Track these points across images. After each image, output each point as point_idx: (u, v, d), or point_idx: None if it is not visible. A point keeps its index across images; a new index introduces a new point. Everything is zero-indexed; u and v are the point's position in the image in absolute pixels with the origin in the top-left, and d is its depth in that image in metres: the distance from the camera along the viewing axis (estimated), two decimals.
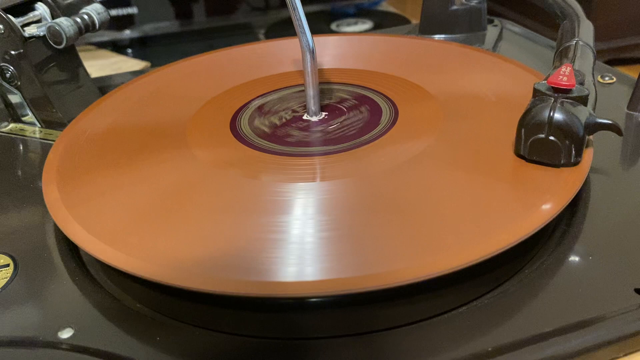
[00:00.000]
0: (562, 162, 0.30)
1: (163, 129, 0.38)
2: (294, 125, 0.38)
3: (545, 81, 0.31)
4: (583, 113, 0.30)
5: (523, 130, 0.30)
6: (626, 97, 0.42)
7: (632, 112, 0.41)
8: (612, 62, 0.50)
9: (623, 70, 0.48)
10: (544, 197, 0.28)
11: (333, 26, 1.18)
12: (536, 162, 0.30)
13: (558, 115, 0.29)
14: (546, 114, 0.29)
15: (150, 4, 1.11)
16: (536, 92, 0.31)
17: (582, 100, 0.30)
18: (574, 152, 0.30)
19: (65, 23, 0.43)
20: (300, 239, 0.27)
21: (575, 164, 0.30)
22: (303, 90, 0.39)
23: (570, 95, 0.30)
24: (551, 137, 0.29)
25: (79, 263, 0.31)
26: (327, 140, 0.35)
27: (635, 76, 0.42)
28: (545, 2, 0.48)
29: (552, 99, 0.30)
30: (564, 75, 0.30)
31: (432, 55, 0.46)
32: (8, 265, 0.31)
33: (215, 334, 0.26)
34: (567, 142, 0.29)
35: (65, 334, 0.26)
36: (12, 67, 0.43)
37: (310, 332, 0.26)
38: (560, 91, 0.30)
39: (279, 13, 1.20)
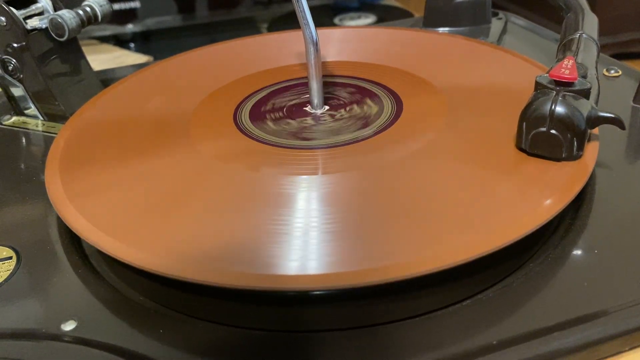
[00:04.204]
0: (563, 155, 0.30)
1: (166, 122, 0.38)
2: (297, 117, 0.38)
3: (547, 74, 0.31)
4: (585, 106, 0.29)
5: (524, 124, 0.30)
6: (632, 90, 0.42)
7: (638, 106, 0.41)
8: (617, 56, 0.50)
9: (629, 64, 0.47)
10: (549, 192, 0.28)
11: (336, 20, 1.17)
12: (538, 155, 0.30)
13: (559, 109, 0.29)
14: (548, 107, 0.29)
15: None
16: (538, 85, 0.31)
17: (584, 93, 0.30)
18: (575, 145, 0.29)
19: (67, 15, 0.43)
20: (304, 232, 0.27)
21: (577, 157, 0.30)
22: (306, 83, 0.39)
23: (572, 88, 0.30)
24: (553, 131, 0.29)
25: (82, 255, 0.31)
26: (330, 133, 0.35)
27: None
28: None
29: (554, 92, 0.30)
30: (566, 68, 0.30)
31: (436, 48, 0.46)
32: (11, 257, 0.31)
33: (219, 327, 0.26)
34: (568, 135, 0.29)
35: (68, 326, 0.26)
36: (14, 60, 0.43)
37: (314, 325, 0.26)
38: (562, 84, 0.30)
39: (282, 7, 1.20)
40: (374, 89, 0.40)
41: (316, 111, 0.38)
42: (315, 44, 0.37)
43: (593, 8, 0.43)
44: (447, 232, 0.26)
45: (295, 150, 0.33)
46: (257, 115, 0.38)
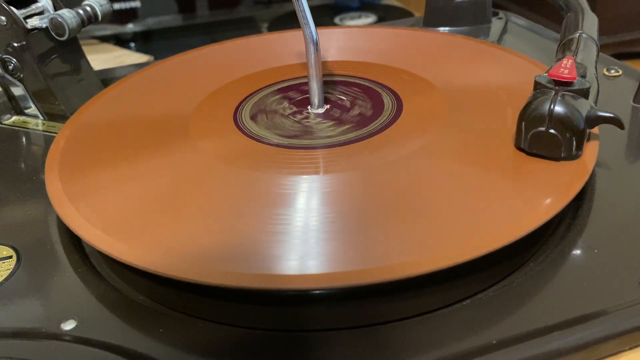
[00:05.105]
0: (562, 155, 0.30)
1: (166, 121, 0.38)
2: (297, 117, 0.38)
3: (547, 74, 0.31)
4: (584, 106, 0.29)
5: (523, 123, 0.30)
6: (632, 90, 0.42)
7: (638, 105, 0.41)
8: (618, 56, 0.50)
9: (629, 64, 0.47)
10: (549, 191, 0.28)
11: (336, 20, 1.17)
12: (537, 155, 0.30)
13: (558, 108, 0.29)
14: (547, 106, 0.29)
15: None
16: (537, 85, 0.31)
17: (584, 93, 0.30)
18: (574, 145, 0.29)
19: (67, 15, 0.43)
20: (304, 232, 0.27)
21: (576, 157, 0.30)
22: (306, 83, 0.39)
23: (571, 88, 0.30)
24: (552, 130, 0.29)
25: (82, 255, 0.31)
26: (330, 133, 0.35)
27: None
28: None
29: (553, 91, 0.30)
30: (565, 68, 0.30)
31: (437, 48, 0.46)
32: (11, 257, 0.31)
33: (218, 326, 0.26)
34: (567, 135, 0.29)
35: (68, 325, 0.26)
36: (14, 59, 0.43)
37: (314, 325, 0.26)
38: (561, 84, 0.30)
39: (282, 7, 1.20)
40: (374, 88, 0.40)
41: (316, 111, 0.38)
42: (316, 44, 0.37)
43: (593, 8, 0.43)
44: (447, 232, 0.26)
45: (295, 150, 0.33)
46: (257, 114, 0.38)
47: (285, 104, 0.40)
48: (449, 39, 0.47)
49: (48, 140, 0.43)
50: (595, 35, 0.38)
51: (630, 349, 0.25)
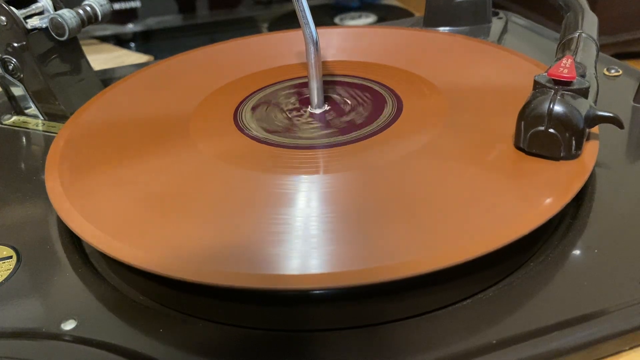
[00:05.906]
0: (561, 155, 0.29)
1: (166, 121, 0.38)
2: (297, 117, 0.38)
3: (546, 73, 0.31)
4: (583, 105, 0.29)
5: (523, 123, 0.30)
6: (632, 89, 0.42)
7: (638, 105, 0.41)
8: (618, 56, 0.50)
9: (630, 63, 0.47)
10: (549, 191, 0.28)
11: (336, 20, 1.17)
12: (536, 155, 0.30)
13: (558, 108, 0.29)
14: (546, 106, 0.29)
15: None
16: (536, 85, 0.31)
17: (583, 92, 0.30)
18: (574, 144, 0.29)
19: (67, 15, 0.43)
20: (304, 232, 0.27)
21: (576, 157, 0.30)
22: (306, 83, 0.39)
23: (570, 87, 0.30)
24: (551, 130, 0.29)
25: (82, 255, 0.31)
26: (330, 133, 0.35)
27: None
28: None
29: (552, 91, 0.30)
30: (564, 68, 0.30)
31: (437, 48, 0.46)
32: (11, 257, 0.31)
33: (219, 326, 0.26)
34: (567, 134, 0.29)
35: (68, 325, 0.26)
36: (14, 60, 0.43)
37: (314, 325, 0.26)
38: (561, 83, 0.30)
39: (282, 7, 1.20)
40: (374, 88, 0.40)
41: (316, 110, 0.38)
42: (316, 44, 0.37)
43: (593, 7, 0.43)
44: (447, 232, 0.26)
45: (295, 149, 0.33)
46: (257, 114, 0.38)
47: (285, 104, 0.40)
48: (449, 39, 0.47)
49: (48, 140, 0.43)
50: (595, 34, 0.38)
51: (631, 348, 0.25)
